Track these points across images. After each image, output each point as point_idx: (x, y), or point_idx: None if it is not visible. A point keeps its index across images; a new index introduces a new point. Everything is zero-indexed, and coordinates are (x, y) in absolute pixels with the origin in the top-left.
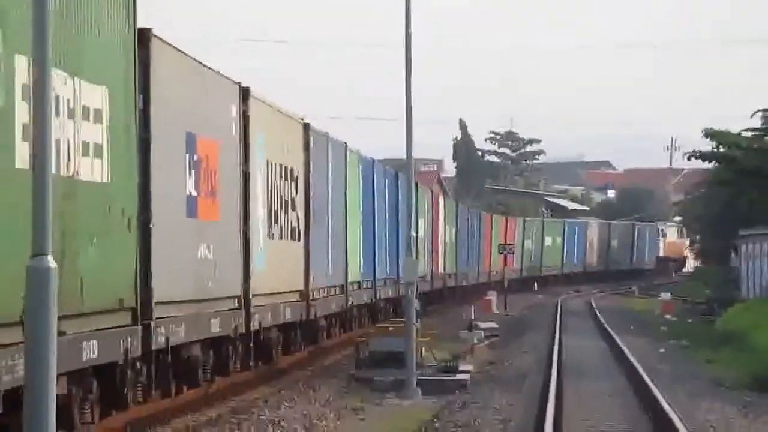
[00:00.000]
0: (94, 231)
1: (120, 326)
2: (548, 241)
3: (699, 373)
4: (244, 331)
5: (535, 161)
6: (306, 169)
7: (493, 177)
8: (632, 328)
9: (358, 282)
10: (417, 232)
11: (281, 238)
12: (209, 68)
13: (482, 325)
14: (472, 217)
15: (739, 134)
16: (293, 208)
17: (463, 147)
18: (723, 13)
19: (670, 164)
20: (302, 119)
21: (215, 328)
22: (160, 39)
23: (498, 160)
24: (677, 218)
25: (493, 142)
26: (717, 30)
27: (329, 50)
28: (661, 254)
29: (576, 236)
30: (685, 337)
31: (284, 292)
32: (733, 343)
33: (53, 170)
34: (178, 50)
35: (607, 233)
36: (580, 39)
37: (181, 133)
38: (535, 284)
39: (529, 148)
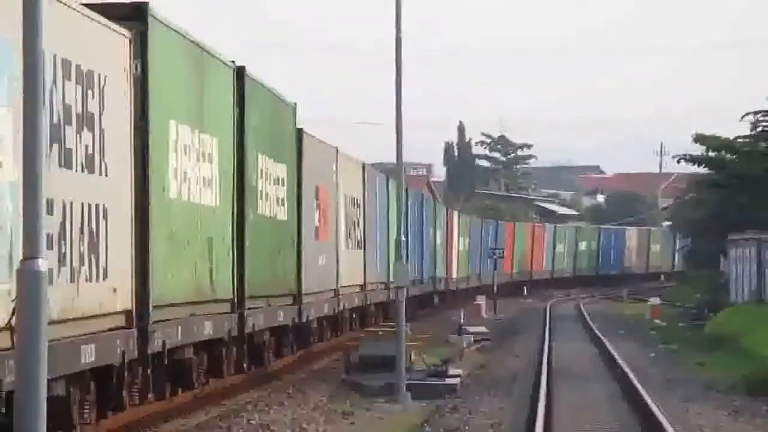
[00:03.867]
0: (283, 247)
1: (287, 304)
2: (582, 245)
3: (689, 377)
4: (339, 310)
5: (525, 166)
6: (363, 198)
7: (483, 181)
8: (621, 332)
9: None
10: (435, 241)
11: (352, 248)
12: (321, 141)
13: (471, 329)
14: (487, 226)
15: (729, 139)
16: (358, 226)
17: (457, 151)
18: (711, 17)
19: (660, 169)
20: (362, 162)
21: (328, 309)
22: (310, 135)
23: (489, 165)
24: (666, 223)
25: (484, 146)
26: (712, 34)
27: (318, 50)
28: None
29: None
30: (676, 341)
31: (353, 285)
32: (723, 347)
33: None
34: (315, 138)
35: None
36: (568, 42)
37: (313, 186)
38: (525, 289)
39: (520, 153)
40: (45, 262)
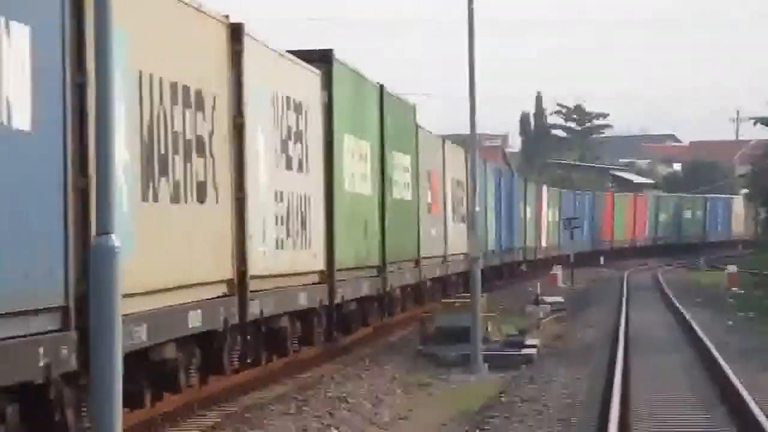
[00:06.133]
0: (408, 223)
1: (412, 268)
2: (687, 214)
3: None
4: (447, 274)
5: (600, 135)
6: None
7: (557, 151)
8: (698, 300)
9: (492, 249)
10: (525, 214)
11: (457, 222)
12: (431, 133)
13: (548, 299)
14: (580, 198)
15: None
16: (461, 204)
17: (534, 120)
18: None
19: (736, 136)
20: (463, 149)
21: (439, 272)
22: (423, 129)
23: (564, 134)
24: (744, 190)
25: (560, 115)
26: None
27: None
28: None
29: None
30: (753, 309)
31: (458, 253)
32: None
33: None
34: (426, 130)
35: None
36: (646, 12)
37: (426, 171)
38: (601, 258)
39: (595, 122)
40: (116, 238)
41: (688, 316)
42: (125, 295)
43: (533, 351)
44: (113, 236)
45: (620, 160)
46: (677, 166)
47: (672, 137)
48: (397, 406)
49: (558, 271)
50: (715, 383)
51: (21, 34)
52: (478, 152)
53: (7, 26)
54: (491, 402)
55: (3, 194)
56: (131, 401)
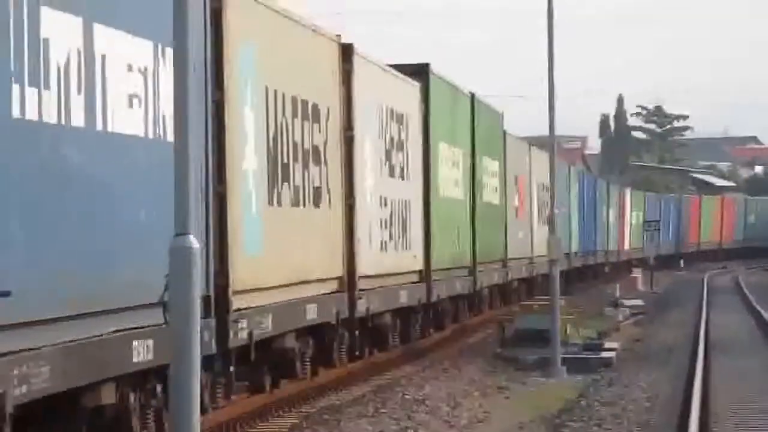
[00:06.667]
0: (496, 226)
1: (498, 268)
2: None
3: None
4: (533, 275)
5: (681, 137)
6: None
7: (637, 153)
8: None
9: (575, 252)
10: (608, 217)
11: (543, 224)
12: (517, 138)
13: (627, 302)
14: (665, 202)
15: None
16: (547, 207)
17: (614, 122)
18: None
19: None
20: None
21: (525, 273)
22: (511, 135)
23: (644, 136)
24: None
25: (640, 117)
26: None
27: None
28: None
29: None
30: None
31: (543, 255)
32: None
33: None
34: (513, 136)
35: None
36: (723, 10)
37: (513, 175)
38: (681, 261)
39: (676, 124)
40: (195, 239)
41: None
42: (254, 290)
43: (612, 354)
44: (191, 237)
45: (701, 163)
46: (759, 169)
47: (754, 139)
48: (475, 408)
49: (638, 273)
50: None
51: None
52: (558, 156)
53: (163, 52)
54: (570, 405)
55: (162, 201)
56: (255, 387)
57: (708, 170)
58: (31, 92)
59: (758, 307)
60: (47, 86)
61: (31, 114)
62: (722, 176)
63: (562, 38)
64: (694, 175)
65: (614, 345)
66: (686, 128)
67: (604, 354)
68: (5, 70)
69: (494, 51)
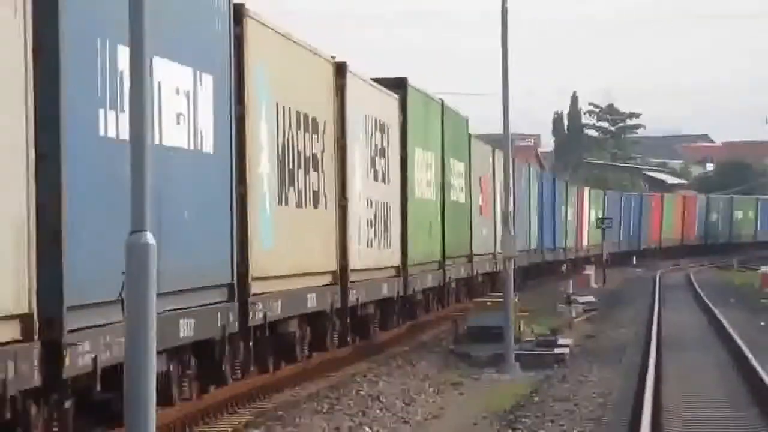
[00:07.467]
0: (462, 223)
1: (465, 263)
2: (739, 214)
3: None
4: (496, 270)
5: (633, 135)
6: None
7: (589, 151)
8: (732, 301)
9: (534, 249)
10: (566, 215)
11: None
12: (481, 142)
13: (580, 299)
14: (626, 200)
15: None
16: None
17: (567, 120)
18: None
19: None
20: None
21: (489, 267)
22: (475, 138)
23: (597, 134)
24: None
25: (592, 115)
26: None
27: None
28: None
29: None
30: None
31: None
32: None
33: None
34: (478, 139)
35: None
36: (675, 10)
37: (477, 176)
38: (634, 258)
39: (628, 122)
40: (151, 236)
41: (720, 316)
42: (266, 278)
43: (565, 350)
44: (148, 233)
45: (653, 161)
46: (710, 167)
47: (705, 137)
48: (429, 405)
49: (591, 270)
50: (747, 383)
51: (207, 81)
52: (513, 154)
53: (200, 77)
54: (523, 401)
55: (199, 202)
56: (262, 368)
57: (660, 168)
58: (111, 115)
59: (709, 302)
60: (123, 110)
61: (112, 132)
62: (674, 174)
63: (519, 38)
64: (647, 172)
65: (567, 342)
66: (638, 126)
67: (558, 350)
68: (93, 97)
69: (446, 49)
